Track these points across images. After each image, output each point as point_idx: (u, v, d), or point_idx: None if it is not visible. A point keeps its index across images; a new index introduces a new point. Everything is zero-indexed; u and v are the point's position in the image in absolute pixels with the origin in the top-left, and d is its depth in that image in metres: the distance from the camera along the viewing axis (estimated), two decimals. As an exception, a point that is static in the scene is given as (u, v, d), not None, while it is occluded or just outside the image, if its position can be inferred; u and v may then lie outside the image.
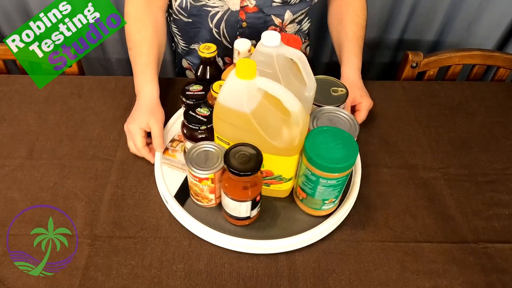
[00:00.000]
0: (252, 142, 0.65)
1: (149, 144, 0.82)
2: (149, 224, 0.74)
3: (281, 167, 0.69)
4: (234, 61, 0.80)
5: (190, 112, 0.74)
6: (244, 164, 0.62)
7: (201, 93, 0.80)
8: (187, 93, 0.80)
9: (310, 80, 0.71)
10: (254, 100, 0.63)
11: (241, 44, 0.78)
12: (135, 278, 0.67)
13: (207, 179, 0.67)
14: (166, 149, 0.82)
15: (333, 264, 0.70)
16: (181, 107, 0.88)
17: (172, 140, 0.84)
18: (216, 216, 0.73)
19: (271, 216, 0.74)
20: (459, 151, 0.89)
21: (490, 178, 0.84)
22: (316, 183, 0.67)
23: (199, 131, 0.74)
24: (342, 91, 0.82)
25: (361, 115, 0.88)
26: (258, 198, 0.68)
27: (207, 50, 0.82)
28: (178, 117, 0.88)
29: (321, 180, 0.66)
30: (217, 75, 0.85)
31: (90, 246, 0.71)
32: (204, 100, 0.80)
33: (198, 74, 0.86)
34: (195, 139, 0.74)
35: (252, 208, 0.68)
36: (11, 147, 0.86)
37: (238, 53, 0.78)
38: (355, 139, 0.69)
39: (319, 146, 0.65)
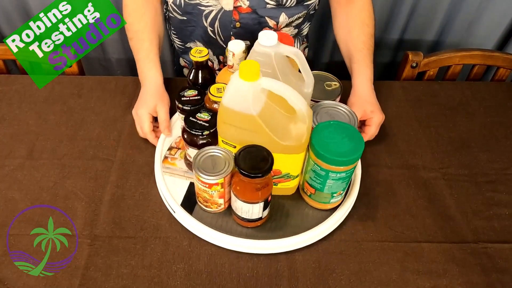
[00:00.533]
0: (259, 143, 0.65)
1: (156, 128, 0.85)
2: (149, 224, 0.74)
3: (289, 165, 0.69)
4: (228, 63, 0.79)
5: (191, 118, 0.72)
6: (256, 166, 0.62)
7: (197, 97, 0.79)
8: (183, 98, 0.79)
9: (308, 77, 0.71)
10: (260, 101, 0.63)
11: (235, 46, 0.77)
12: (135, 278, 0.67)
13: (217, 184, 0.67)
14: (165, 157, 0.81)
15: (333, 264, 0.70)
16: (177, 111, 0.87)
17: (170, 148, 0.83)
18: (226, 220, 0.73)
19: (279, 215, 0.74)
20: (459, 151, 0.89)
21: (490, 178, 0.84)
22: (325, 178, 0.68)
23: (201, 137, 0.72)
24: (335, 85, 0.82)
25: (371, 131, 0.84)
26: (269, 198, 0.68)
27: (198, 54, 0.81)
28: (176, 120, 0.87)
29: (331, 174, 0.67)
30: (210, 78, 0.85)
31: (90, 246, 0.71)
32: (202, 104, 0.78)
33: (191, 78, 0.85)
34: (197, 145, 0.73)
35: (264, 208, 0.68)
36: (11, 147, 0.86)
37: (233, 55, 0.77)
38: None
39: (326, 141, 0.66)
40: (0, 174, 0.81)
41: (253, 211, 0.68)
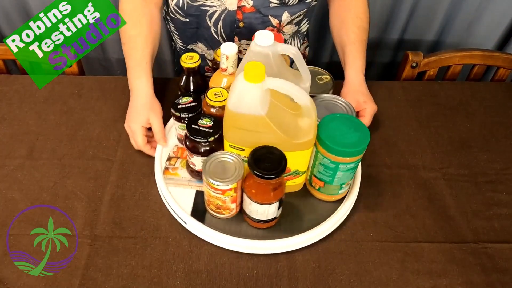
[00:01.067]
0: (268, 144, 0.65)
1: (150, 138, 0.83)
2: (149, 224, 0.74)
3: (298, 161, 0.70)
4: (222, 66, 0.77)
5: (193, 125, 0.71)
6: (271, 167, 0.62)
7: (193, 104, 0.77)
8: (179, 106, 0.77)
9: (305, 73, 0.72)
10: (266, 102, 0.63)
11: (228, 49, 0.74)
12: (135, 278, 0.67)
13: (230, 189, 0.66)
14: (166, 168, 0.80)
15: (333, 264, 0.70)
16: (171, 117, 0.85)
17: (169, 158, 0.81)
18: (240, 224, 0.72)
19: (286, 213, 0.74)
20: (459, 151, 0.89)
21: (490, 178, 0.84)
22: (335, 170, 0.69)
23: (206, 144, 0.71)
24: (326, 78, 0.84)
25: (365, 121, 0.85)
26: (283, 197, 0.68)
27: (190, 60, 0.79)
28: (170, 129, 0.86)
29: (341, 166, 0.68)
30: (202, 84, 0.83)
31: (90, 246, 0.71)
32: (199, 110, 0.77)
33: (182, 84, 0.83)
34: (201, 152, 0.71)
35: (279, 207, 0.69)
36: (11, 147, 0.86)
37: (226, 57, 0.75)
38: None
39: (334, 134, 0.67)
40: (0, 174, 0.81)
41: (269, 211, 0.68)
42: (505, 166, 0.86)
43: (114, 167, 0.83)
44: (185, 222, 0.72)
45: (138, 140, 0.81)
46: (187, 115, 0.76)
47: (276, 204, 0.67)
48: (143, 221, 0.74)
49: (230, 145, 0.69)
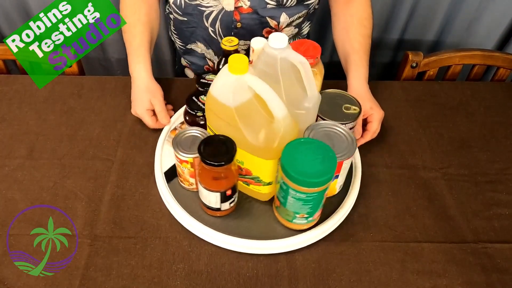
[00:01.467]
0: (233, 137, 0.65)
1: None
2: (149, 224, 0.74)
3: (259, 168, 0.69)
4: (250, 58, 0.81)
5: (193, 98, 0.78)
6: (213, 154, 0.63)
7: None
8: (201, 80, 0.82)
9: (311, 90, 0.68)
10: (242, 96, 0.63)
11: (256, 43, 0.79)
12: (135, 278, 0.67)
13: (186, 162, 0.70)
14: (175, 129, 0.86)
15: (333, 264, 0.70)
16: None
17: (183, 122, 0.87)
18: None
19: (252, 216, 0.75)
20: (459, 151, 0.89)
21: (490, 178, 0.84)
22: (286, 193, 0.65)
23: (197, 117, 0.77)
24: (355, 109, 0.78)
25: (374, 127, 0.84)
26: (229, 192, 0.68)
27: (229, 43, 0.83)
28: None
29: (291, 191, 0.64)
30: None
31: (90, 246, 0.71)
32: None
33: (220, 67, 0.86)
34: (193, 124, 0.78)
35: (222, 201, 0.69)
36: (11, 147, 0.86)
37: (253, 50, 0.79)
38: (351, 156, 0.68)
39: (296, 156, 0.62)
40: (0, 174, 0.81)
41: (211, 199, 0.69)
42: (505, 166, 0.86)
43: (114, 167, 0.83)
44: (155, 176, 0.79)
45: (147, 122, 0.87)
46: (203, 90, 0.81)
47: (217, 195, 0.67)
48: (143, 221, 0.74)
49: (208, 126, 0.72)
